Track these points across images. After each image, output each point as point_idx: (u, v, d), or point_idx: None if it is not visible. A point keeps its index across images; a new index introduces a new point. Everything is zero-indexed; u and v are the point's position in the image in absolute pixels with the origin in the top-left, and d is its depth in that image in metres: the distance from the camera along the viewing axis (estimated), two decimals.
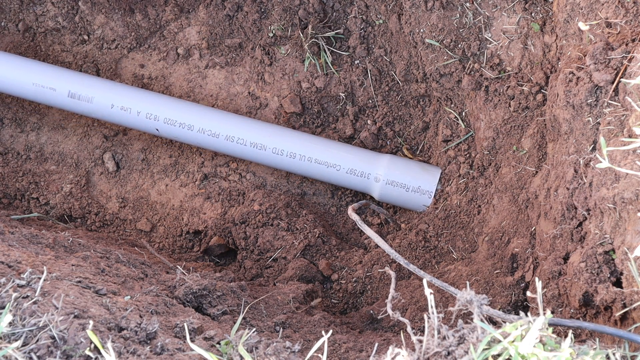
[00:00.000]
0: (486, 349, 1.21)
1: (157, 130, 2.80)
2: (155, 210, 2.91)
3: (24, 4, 3.03)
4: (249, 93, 2.95)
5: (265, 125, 2.79)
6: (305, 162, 2.72)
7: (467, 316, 1.49)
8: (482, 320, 1.26)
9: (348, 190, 2.86)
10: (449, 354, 1.24)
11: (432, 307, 1.28)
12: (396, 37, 2.72)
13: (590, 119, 1.84)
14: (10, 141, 3.04)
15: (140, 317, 1.52)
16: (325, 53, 2.83)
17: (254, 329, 1.73)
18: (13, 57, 2.91)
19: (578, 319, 1.71)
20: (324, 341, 1.33)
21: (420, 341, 1.27)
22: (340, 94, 2.87)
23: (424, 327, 1.32)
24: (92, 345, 1.32)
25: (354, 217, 2.34)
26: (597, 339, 1.34)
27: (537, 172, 2.30)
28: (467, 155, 2.63)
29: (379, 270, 2.48)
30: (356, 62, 2.84)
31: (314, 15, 2.80)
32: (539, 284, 1.36)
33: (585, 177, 1.79)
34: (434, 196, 2.64)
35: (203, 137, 2.76)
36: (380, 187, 2.67)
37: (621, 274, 1.57)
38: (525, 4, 2.40)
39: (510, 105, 2.46)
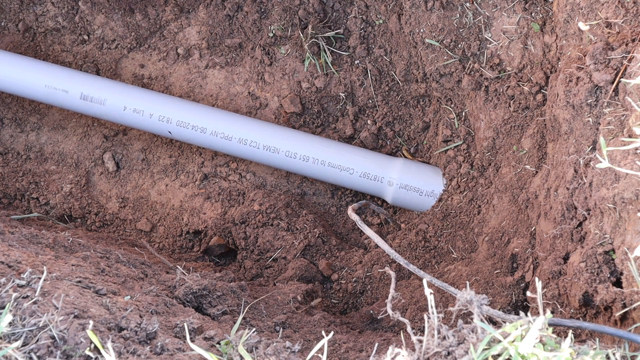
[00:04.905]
0: (486, 349, 1.21)
1: (170, 132, 2.79)
2: (155, 210, 2.91)
3: (24, 4, 3.03)
4: (249, 93, 2.95)
5: (278, 128, 2.78)
6: (318, 165, 2.71)
7: (467, 316, 1.48)
8: (482, 320, 1.26)
9: (348, 190, 2.86)
10: (449, 354, 1.24)
11: (432, 307, 1.28)
12: (396, 37, 2.72)
13: (590, 119, 1.84)
14: (10, 141, 3.04)
15: (140, 317, 1.52)
16: (325, 53, 2.83)
17: (254, 329, 1.73)
18: (25, 58, 2.90)
19: (578, 319, 1.71)
20: (325, 342, 1.33)
21: (420, 341, 1.27)
22: (340, 94, 2.87)
23: (424, 327, 1.32)
24: (92, 345, 1.32)
25: (354, 217, 2.34)
26: (597, 339, 1.34)
27: (537, 172, 2.30)
28: (467, 155, 2.63)
29: (379, 270, 2.48)
30: (356, 62, 2.84)
31: (314, 15, 2.80)
32: (539, 284, 1.36)
33: (585, 177, 1.79)
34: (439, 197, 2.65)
35: (216, 140, 2.76)
36: (393, 191, 2.67)
37: (621, 274, 1.57)
38: (525, 4, 2.40)
39: (510, 105, 2.46)
